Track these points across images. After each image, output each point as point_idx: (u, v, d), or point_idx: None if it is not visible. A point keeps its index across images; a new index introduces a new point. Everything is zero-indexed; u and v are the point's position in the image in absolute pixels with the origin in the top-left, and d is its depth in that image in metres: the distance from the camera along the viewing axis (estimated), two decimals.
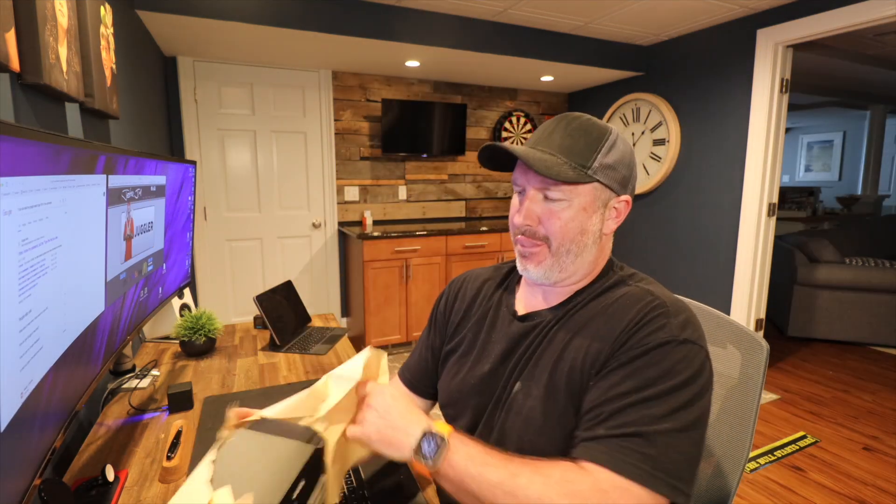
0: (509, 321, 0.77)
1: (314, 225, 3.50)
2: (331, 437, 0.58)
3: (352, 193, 3.57)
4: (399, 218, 3.77)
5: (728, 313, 2.48)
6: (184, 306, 1.68)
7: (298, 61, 3.10)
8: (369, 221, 3.53)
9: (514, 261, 0.79)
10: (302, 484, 0.61)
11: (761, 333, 2.63)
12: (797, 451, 2.15)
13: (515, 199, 0.73)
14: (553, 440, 0.66)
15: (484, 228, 3.46)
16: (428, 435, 0.58)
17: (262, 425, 0.59)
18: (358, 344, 3.23)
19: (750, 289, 2.79)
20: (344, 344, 1.55)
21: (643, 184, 3.39)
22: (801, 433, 2.30)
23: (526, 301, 0.78)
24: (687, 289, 3.15)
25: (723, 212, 2.93)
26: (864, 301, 3.32)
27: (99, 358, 0.85)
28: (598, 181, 0.67)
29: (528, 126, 4.07)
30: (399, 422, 0.60)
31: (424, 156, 3.72)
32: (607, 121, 3.39)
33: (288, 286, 1.71)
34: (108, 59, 1.40)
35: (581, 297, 0.72)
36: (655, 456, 0.56)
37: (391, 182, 3.70)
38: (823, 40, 2.77)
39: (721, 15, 2.70)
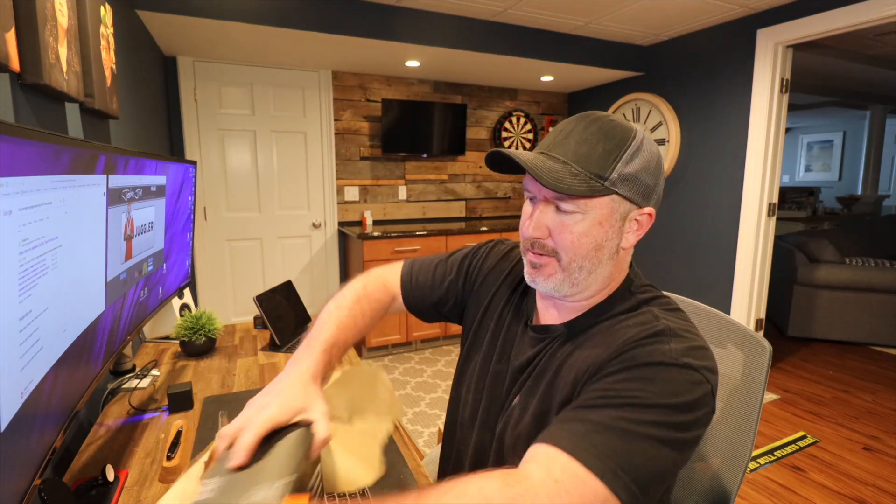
0: (524, 328, 0.75)
1: (314, 225, 3.50)
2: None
3: (352, 193, 3.57)
4: (399, 218, 3.77)
5: (728, 313, 2.48)
6: (184, 306, 1.68)
7: (298, 61, 3.10)
8: (369, 221, 3.53)
9: None
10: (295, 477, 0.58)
11: (761, 333, 2.63)
12: (797, 451, 2.15)
13: (527, 206, 0.67)
14: None
15: (484, 228, 3.46)
16: None
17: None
18: (358, 344, 3.23)
19: (750, 289, 2.79)
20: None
21: None
22: (801, 433, 2.30)
23: (541, 311, 0.74)
24: (687, 289, 3.15)
25: (723, 212, 2.93)
26: (864, 301, 3.32)
27: (99, 358, 0.85)
28: (616, 193, 0.60)
29: (529, 126, 4.07)
30: None
31: (424, 156, 3.72)
32: None
33: (288, 286, 1.71)
34: (108, 59, 1.39)
35: (591, 319, 0.67)
36: (626, 454, 0.50)
37: (391, 182, 3.70)
38: (823, 40, 2.77)
39: (721, 15, 2.70)
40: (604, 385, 0.56)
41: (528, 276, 0.68)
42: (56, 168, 0.63)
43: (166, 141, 2.82)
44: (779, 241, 3.58)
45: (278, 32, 2.43)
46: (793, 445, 2.19)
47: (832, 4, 2.31)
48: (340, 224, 3.54)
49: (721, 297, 2.93)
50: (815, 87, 4.76)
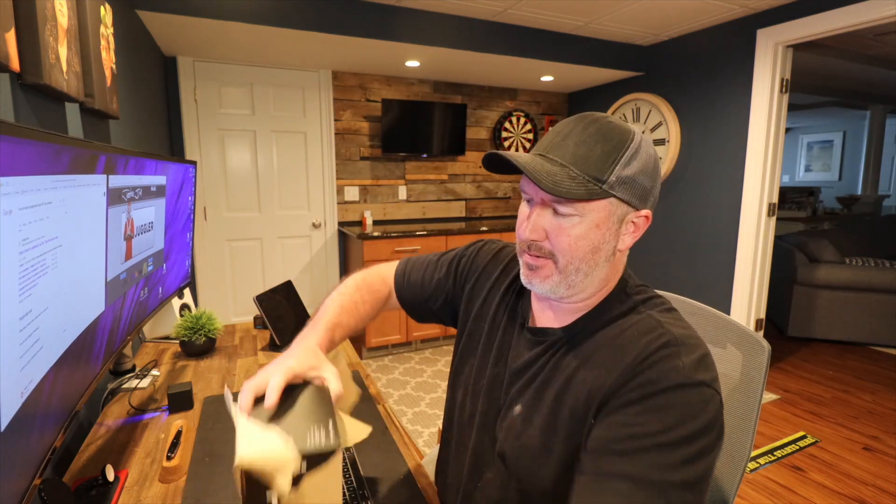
0: (520, 330, 0.74)
1: (314, 225, 3.50)
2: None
3: (352, 193, 3.57)
4: (399, 218, 3.77)
5: (728, 313, 2.48)
6: (184, 306, 1.68)
7: (298, 61, 3.10)
8: (369, 221, 3.53)
9: None
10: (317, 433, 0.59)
11: (761, 333, 2.63)
12: (797, 451, 2.15)
13: (524, 208, 0.67)
14: (551, 470, 0.64)
15: (484, 228, 3.46)
16: None
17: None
18: (358, 344, 3.23)
19: (750, 289, 2.79)
20: (343, 343, 1.55)
21: None
22: (801, 433, 2.30)
23: (536, 313, 0.74)
24: (687, 289, 3.15)
25: (723, 212, 2.93)
26: (864, 301, 3.32)
27: (99, 358, 0.85)
28: (614, 196, 0.60)
29: (529, 126, 4.07)
30: None
31: (424, 156, 3.72)
32: None
33: (288, 286, 1.71)
34: (108, 59, 1.39)
35: (590, 323, 0.67)
36: None
37: (391, 182, 3.70)
38: (823, 40, 2.77)
39: (721, 15, 2.70)
40: (626, 419, 0.57)
41: (525, 278, 0.67)
42: (56, 168, 0.63)
43: (166, 141, 2.83)
44: (779, 241, 3.58)
45: (278, 32, 2.43)
46: (793, 445, 2.19)
47: (832, 4, 2.31)
48: (340, 224, 3.54)
49: (721, 297, 2.93)
50: (815, 87, 4.76)
